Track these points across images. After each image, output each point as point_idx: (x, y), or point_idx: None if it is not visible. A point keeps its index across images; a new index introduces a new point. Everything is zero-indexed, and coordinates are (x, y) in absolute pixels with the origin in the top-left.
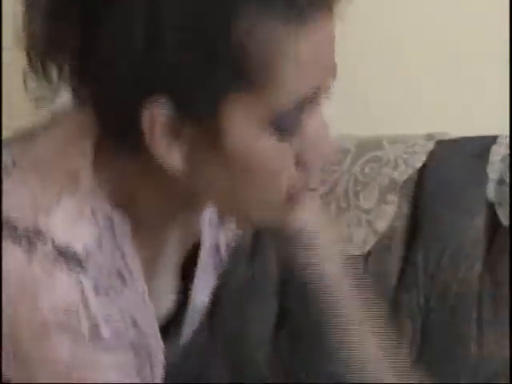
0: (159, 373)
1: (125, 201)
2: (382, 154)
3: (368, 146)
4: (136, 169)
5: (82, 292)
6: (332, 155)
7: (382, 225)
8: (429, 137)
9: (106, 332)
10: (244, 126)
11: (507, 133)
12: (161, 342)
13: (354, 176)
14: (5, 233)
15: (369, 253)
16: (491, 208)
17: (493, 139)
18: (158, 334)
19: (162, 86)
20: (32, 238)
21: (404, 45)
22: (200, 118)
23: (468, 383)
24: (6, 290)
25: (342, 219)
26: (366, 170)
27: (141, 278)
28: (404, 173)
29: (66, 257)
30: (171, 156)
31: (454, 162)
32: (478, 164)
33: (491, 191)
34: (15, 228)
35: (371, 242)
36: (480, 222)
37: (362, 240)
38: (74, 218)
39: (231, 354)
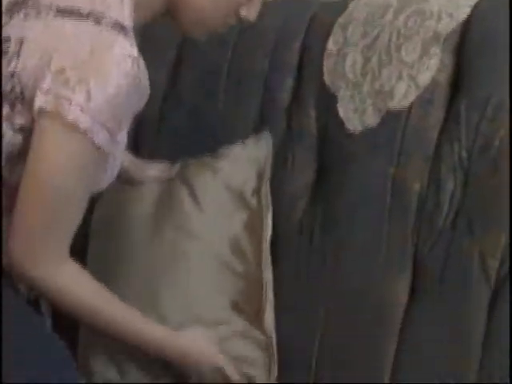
0: None
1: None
2: (425, 6)
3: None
4: None
5: (136, 50)
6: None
7: (424, 78)
8: None
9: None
10: None
11: None
12: None
13: (396, 29)
14: (70, 16)
15: (410, 107)
16: None
17: None
18: None
19: None
20: (96, 16)
21: None
22: None
23: None
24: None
25: (383, 73)
26: (409, 23)
27: None
28: (448, 25)
29: (121, 27)
30: None
31: (499, 14)
32: None
33: None
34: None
35: (413, 96)
36: None
37: (403, 94)
38: (120, 6)
39: None
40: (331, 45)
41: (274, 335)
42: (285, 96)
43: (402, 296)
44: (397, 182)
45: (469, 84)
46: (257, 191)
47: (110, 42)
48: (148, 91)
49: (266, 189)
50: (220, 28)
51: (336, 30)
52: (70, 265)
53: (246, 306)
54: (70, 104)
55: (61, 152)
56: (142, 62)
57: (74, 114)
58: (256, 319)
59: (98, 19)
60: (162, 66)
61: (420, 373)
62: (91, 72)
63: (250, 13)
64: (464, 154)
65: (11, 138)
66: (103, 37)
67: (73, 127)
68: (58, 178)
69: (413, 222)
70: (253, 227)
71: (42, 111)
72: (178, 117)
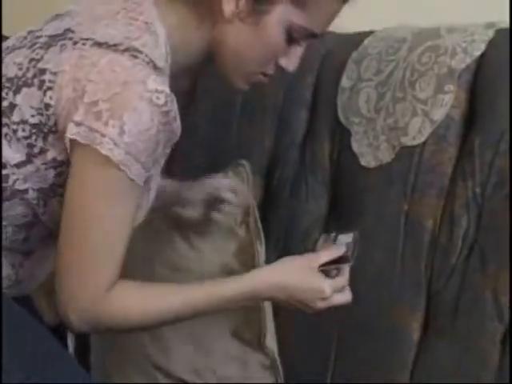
0: None
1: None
2: (439, 42)
3: (425, 35)
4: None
5: (168, 89)
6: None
7: (438, 114)
8: (489, 25)
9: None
10: (278, 20)
11: None
12: None
13: (410, 65)
14: (107, 49)
15: (424, 143)
16: None
17: None
18: None
19: None
20: (133, 52)
21: None
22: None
23: None
24: (116, 80)
25: (397, 109)
26: (424, 59)
27: None
28: (462, 61)
29: (154, 67)
30: (230, 5)
31: None
32: None
33: None
34: (117, 48)
35: (427, 131)
36: None
37: (418, 130)
38: (155, 46)
39: (281, 240)
40: (345, 80)
41: (277, 357)
42: (299, 129)
43: (415, 332)
44: (410, 218)
45: (483, 120)
46: (244, 221)
47: (143, 77)
48: (179, 130)
49: (253, 217)
50: (258, 77)
51: (350, 65)
52: (116, 290)
53: (247, 332)
54: (103, 137)
55: (96, 184)
56: (174, 100)
57: (106, 147)
58: (258, 343)
59: (134, 55)
60: (176, 96)
61: None
62: (124, 105)
63: (289, 62)
64: (478, 190)
65: (43, 173)
66: (137, 70)
67: (106, 160)
68: (94, 209)
69: (426, 257)
70: (244, 255)
71: (74, 143)
72: (192, 147)
